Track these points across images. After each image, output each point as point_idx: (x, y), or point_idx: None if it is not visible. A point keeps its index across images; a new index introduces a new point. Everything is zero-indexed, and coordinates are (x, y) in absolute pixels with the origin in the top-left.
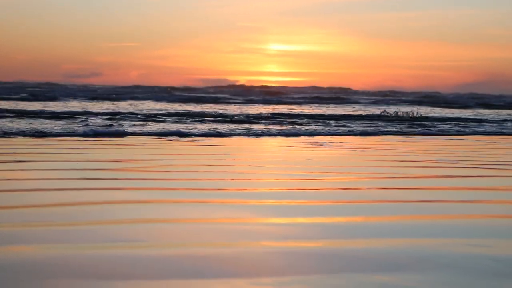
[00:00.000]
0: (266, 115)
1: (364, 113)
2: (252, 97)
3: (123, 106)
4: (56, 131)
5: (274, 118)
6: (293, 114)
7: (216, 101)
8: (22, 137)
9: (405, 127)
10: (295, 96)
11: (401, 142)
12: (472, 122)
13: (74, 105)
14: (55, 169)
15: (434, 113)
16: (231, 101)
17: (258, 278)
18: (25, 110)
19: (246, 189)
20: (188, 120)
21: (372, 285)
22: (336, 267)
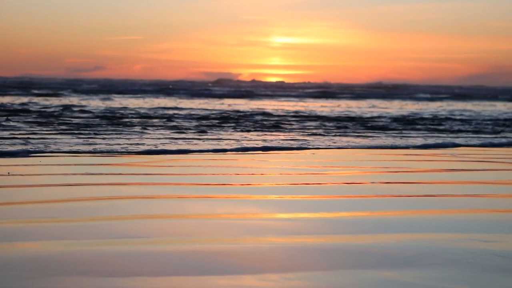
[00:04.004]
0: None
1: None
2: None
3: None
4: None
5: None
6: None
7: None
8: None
9: None
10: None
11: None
12: None
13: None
14: (59, 164)
15: None
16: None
17: (265, 274)
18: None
19: (250, 184)
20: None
21: (377, 282)
22: (341, 263)
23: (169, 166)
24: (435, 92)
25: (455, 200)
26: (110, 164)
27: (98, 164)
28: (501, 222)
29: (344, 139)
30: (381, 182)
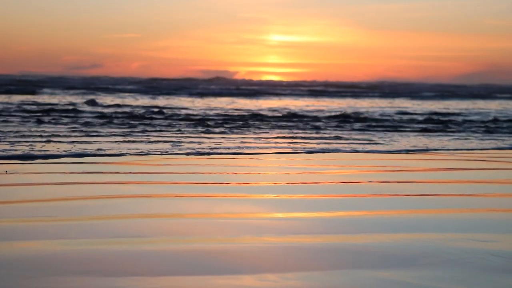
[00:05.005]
0: None
1: None
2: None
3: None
4: None
5: None
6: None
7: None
8: None
9: None
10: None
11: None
12: None
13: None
14: (57, 163)
15: None
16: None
17: (263, 274)
18: None
19: (247, 183)
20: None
21: (375, 282)
22: (338, 262)
23: (166, 165)
24: (439, 90)
25: (453, 199)
26: (107, 162)
27: (96, 163)
28: (500, 222)
29: (418, 139)
30: (378, 182)
